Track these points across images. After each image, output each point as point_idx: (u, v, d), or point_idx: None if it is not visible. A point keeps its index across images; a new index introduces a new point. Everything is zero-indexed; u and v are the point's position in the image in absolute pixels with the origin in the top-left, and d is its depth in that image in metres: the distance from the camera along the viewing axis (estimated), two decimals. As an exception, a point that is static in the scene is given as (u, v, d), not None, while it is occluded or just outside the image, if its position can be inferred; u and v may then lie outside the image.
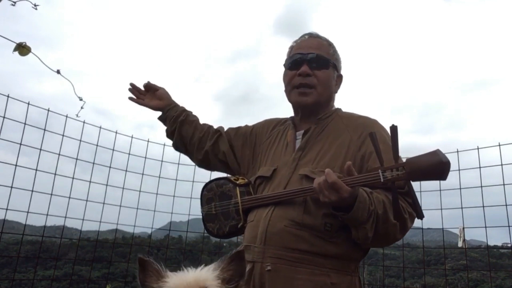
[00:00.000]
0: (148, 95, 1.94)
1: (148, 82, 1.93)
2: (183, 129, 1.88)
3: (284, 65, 1.71)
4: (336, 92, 1.72)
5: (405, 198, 1.41)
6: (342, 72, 1.73)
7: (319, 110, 1.66)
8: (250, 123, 1.91)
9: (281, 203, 1.49)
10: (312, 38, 1.68)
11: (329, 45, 1.69)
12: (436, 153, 1.25)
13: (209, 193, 1.73)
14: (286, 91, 1.71)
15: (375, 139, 1.31)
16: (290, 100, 1.70)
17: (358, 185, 1.31)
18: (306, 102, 1.62)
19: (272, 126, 1.81)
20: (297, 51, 1.66)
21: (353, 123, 1.59)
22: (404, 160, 1.34)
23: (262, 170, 1.65)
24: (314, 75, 1.60)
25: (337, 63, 1.69)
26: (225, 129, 1.94)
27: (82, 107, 1.96)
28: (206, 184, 1.76)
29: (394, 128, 1.27)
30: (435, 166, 1.24)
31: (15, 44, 1.61)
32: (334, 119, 1.64)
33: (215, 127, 1.95)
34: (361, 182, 1.31)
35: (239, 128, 1.90)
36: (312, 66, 1.60)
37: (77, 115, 2.01)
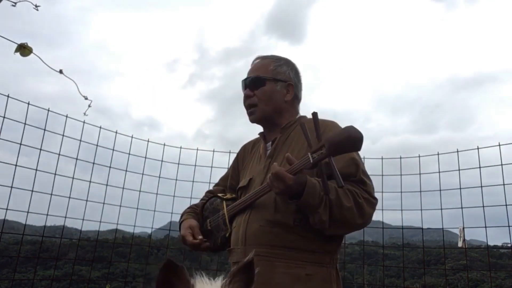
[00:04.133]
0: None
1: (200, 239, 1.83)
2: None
3: None
4: (288, 99, 1.83)
5: (360, 186, 1.55)
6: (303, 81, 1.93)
7: (275, 121, 1.82)
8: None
9: (256, 207, 1.65)
10: (257, 61, 1.87)
11: (272, 61, 1.85)
12: (348, 129, 1.41)
13: (205, 212, 1.87)
14: None
15: (305, 128, 1.50)
16: None
17: (296, 170, 1.46)
18: (254, 120, 1.83)
19: (251, 147, 1.99)
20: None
21: (311, 126, 1.73)
22: None
23: (241, 182, 1.83)
24: (255, 95, 1.80)
25: (278, 75, 1.82)
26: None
27: (89, 106, 1.94)
28: (203, 205, 1.90)
29: (315, 114, 1.48)
30: (348, 140, 1.40)
31: (16, 44, 1.60)
32: (297, 126, 1.78)
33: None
34: (298, 168, 1.46)
35: (223, 176, 2.08)
36: (251, 88, 1.81)
37: (84, 114, 2.00)
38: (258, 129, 1.99)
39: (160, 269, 0.89)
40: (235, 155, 2.09)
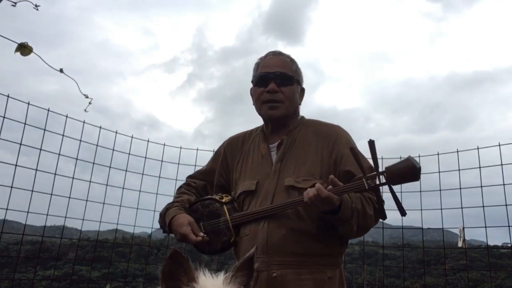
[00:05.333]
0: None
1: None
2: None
3: (252, 81, 1.85)
4: (300, 104, 1.86)
5: (371, 192, 1.59)
6: (304, 85, 1.89)
7: (288, 122, 1.79)
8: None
9: (274, 215, 1.62)
10: (276, 56, 1.82)
11: (292, 62, 1.82)
12: (409, 160, 1.45)
13: (196, 214, 1.77)
14: (256, 105, 1.84)
15: (357, 154, 1.51)
16: (260, 113, 1.83)
17: (344, 192, 1.48)
18: (276, 115, 1.75)
19: (241, 142, 1.90)
20: (263, 69, 1.79)
21: (320, 131, 1.76)
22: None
23: (244, 185, 1.74)
24: (281, 91, 1.74)
25: (299, 78, 1.83)
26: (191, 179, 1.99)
27: (90, 103, 1.94)
28: (190, 206, 1.81)
29: (371, 142, 1.46)
30: (409, 171, 1.45)
31: (16, 44, 1.60)
32: (302, 129, 1.79)
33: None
34: (349, 191, 1.48)
35: (202, 170, 1.99)
36: (278, 83, 1.73)
37: (85, 110, 2.00)
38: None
39: (167, 259, 0.92)
40: None
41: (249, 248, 1.60)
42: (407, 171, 1.44)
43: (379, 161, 1.47)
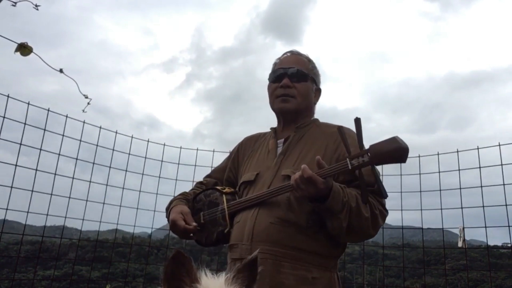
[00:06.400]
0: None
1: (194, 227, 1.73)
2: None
3: (268, 79, 1.88)
4: (315, 103, 1.89)
5: (375, 197, 1.54)
6: (321, 86, 1.92)
7: (299, 119, 1.81)
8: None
9: (265, 203, 1.60)
10: (293, 55, 1.87)
11: (309, 61, 1.86)
12: (396, 139, 1.38)
13: (198, 204, 1.79)
14: (269, 101, 1.87)
15: (343, 132, 1.49)
16: (273, 108, 1.86)
17: (330, 174, 1.43)
18: (287, 108, 1.78)
19: (254, 140, 1.95)
20: (279, 66, 1.84)
21: (328, 130, 1.77)
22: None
23: (245, 176, 1.77)
24: (294, 87, 1.77)
25: (315, 77, 1.86)
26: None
27: (88, 103, 1.93)
28: (195, 196, 1.82)
29: (357, 120, 1.42)
30: (395, 151, 1.37)
31: (16, 44, 1.60)
32: (312, 127, 1.80)
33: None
34: (333, 172, 1.44)
35: (216, 168, 2.04)
36: (292, 79, 1.77)
37: (83, 111, 2.00)
38: (255, 129, 1.98)
39: (169, 259, 0.92)
40: None
41: (237, 235, 1.63)
42: (391, 151, 1.37)
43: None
